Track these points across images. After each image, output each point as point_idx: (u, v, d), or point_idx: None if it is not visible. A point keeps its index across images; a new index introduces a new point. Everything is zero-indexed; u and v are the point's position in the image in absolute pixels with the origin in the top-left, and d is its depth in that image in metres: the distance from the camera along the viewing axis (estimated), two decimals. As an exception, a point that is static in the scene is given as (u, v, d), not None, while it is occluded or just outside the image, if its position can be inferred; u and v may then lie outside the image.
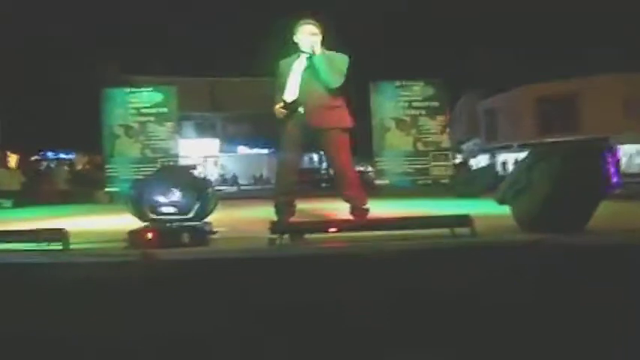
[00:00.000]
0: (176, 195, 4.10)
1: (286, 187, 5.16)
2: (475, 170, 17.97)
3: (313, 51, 4.97)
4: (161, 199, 4.06)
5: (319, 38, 5.05)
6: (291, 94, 5.03)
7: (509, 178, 4.29)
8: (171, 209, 4.05)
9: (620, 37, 30.44)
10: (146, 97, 12.72)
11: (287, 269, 3.15)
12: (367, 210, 5.05)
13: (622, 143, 28.32)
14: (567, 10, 32.03)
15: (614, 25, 31.22)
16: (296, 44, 5.13)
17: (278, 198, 5.15)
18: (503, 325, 2.30)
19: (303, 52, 5.05)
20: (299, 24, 5.10)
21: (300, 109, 5.00)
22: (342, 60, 5.09)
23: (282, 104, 5.08)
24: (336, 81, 5.00)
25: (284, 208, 5.07)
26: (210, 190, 4.48)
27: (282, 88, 5.10)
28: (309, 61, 5.02)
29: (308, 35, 5.03)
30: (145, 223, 3.99)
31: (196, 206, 4.11)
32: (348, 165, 5.13)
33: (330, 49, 5.13)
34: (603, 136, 28.82)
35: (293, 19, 5.18)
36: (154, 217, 4.02)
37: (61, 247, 3.59)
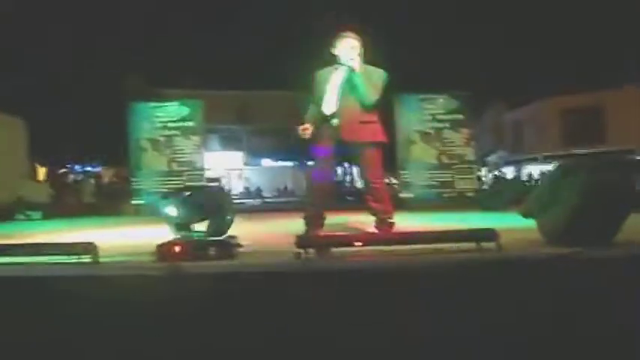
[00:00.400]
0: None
1: (318, 200, 5.19)
2: (502, 183, 17.83)
3: (353, 65, 5.00)
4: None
5: (359, 52, 5.09)
6: (330, 107, 5.08)
7: (536, 192, 4.27)
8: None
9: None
10: (173, 111, 12.82)
11: (313, 283, 3.17)
12: (393, 224, 5.07)
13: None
14: (592, 22, 31.80)
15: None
16: (335, 56, 5.18)
17: (309, 210, 5.19)
18: (529, 340, 2.29)
19: (342, 64, 5.09)
20: (339, 36, 5.15)
21: (335, 121, 5.04)
22: (379, 75, 5.12)
23: (306, 125, 5.13)
24: (373, 97, 5.04)
25: (314, 221, 5.11)
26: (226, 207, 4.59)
27: (317, 100, 5.16)
28: (347, 74, 5.06)
29: (348, 49, 5.08)
30: (173, 237, 4.04)
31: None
32: (379, 179, 5.16)
33: (367, 63, 5.17)
34: (629, 148, 28.57)
35: (332, 32, 5.23)
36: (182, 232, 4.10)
37: (90, 260, 3.65)
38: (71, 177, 27.46)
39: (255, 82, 36.74)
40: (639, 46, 31.01)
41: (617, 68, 30.44)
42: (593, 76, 31.19)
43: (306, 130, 5.14)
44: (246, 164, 42.74)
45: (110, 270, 3.51)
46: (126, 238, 5.79)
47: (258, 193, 37.02)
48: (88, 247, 3.71)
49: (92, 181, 20.69)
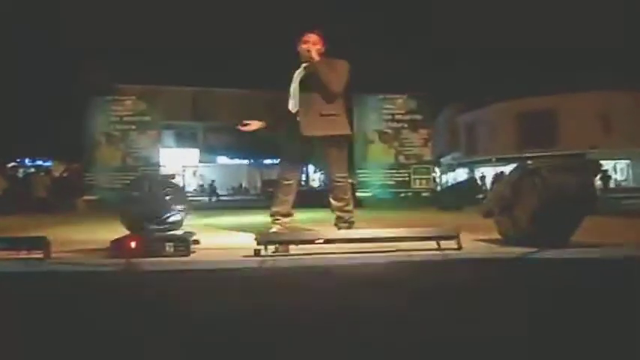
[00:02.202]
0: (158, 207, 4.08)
1: (285, 198, 5.14)
2: (456, 183, 18.06)
3: (311, 58, 4.98)
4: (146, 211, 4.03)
5: (318, 47, 5.06)
6: (293, 104, 5.08)
7: (495, 192, 4.31)
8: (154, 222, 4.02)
9: (598, 56, 30.93)
10: (129, 106, 12.63)
11: (271, 280, 3.12)
12: (352, 222, 5.04)
13: (600, 159, 28.76)
14: (548, 29, 32.49)
15: (594, 44, 31.71)
16: (299, 55, 5.15)
17: (275, 208, 5.14)
18: (486, 340, 2.28)
19: (303, 62, 5.09)
20: (301, 35, 5.13)
21: (299, 118, 5.02)
22: (341, 65, 5.10)
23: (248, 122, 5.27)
24: (337, 85, 5.00)
25: (280, 218, 5.07)
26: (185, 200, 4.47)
27: (288, 99, 5.17)
28: (307, 69, 5.05)
29: (307, 44, 5.05)
30: (128, 232, 3.93)
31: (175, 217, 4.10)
32: (340, 177, 5.10)
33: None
34: (579, 152, 29.33)
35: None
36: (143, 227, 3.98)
37: (42, 256, 3.53)
38: (21, 171, 26.83)
39: (211, 79, 36.46)
40: (593, 53, 31.78)
41: (570, 74, 31.12)
42: (546, 81, 31.83)
43: (247, 125, 5.29)
44: (201, 161, 42.37)
45: (62, 266, 3.40)
46: (79, 234, 5.64)
47: (212, 190, 36.72)
48: (40, 242, 3.60)
49: (43, 175, 20.11)
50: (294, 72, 5.25)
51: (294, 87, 5.12)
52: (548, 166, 3.79)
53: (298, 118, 5.02)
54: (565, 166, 3.84)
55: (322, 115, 4.96)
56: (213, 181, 36.96)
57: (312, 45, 5.06)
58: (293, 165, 5.19)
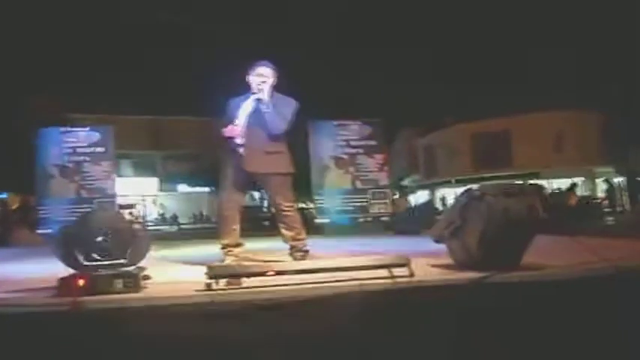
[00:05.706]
0: (106, 241, 3.94)
1: (230, 228, 5.09)
2: (414, 207, 18.19)
3: (261, 94, 4.97)
4: (90, 245, 3.88)
5: (269, 81, 5.06)
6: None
7: (445, 217, 4.35)
8: (102, 256, 3.88)
9: (551, 74, 31.65)
10: (82, 137, 12.47)
11: (223, 315, 3.09)
12: (307, 251, 5.03)
13: (553, 178, 29.40)
14: (500, 49, 33.17)
15: (546, 63, 32.43)
16: (248, 84, 5.13)
17: (224, 240, 5.08)
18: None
19: (253, 93, 5.06)
20: (253, 65, 5.11)
21: (240, 151, 4.97)
22: (289, 104, 5.09)
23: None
24: (280, 127, 4.99)
25: (232, 250, 5.03)
26: (142, 233, 4.33)
27: (225, 126, 5.09)
28: (255, 103, 5.02)
29: (258, 77, 5.04)
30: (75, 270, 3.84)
31: (128, 251, 3.97)
32: (288, 207, 5.09)
33: (281, 92, 5.15)
34: (534, 171, 29.93)
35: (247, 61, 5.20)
36: (85, 264, 3.85)
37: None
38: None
39: (168, 107, 36.28)
40: (545, 72, 32.47)
41: (523, 94, 31.68)
42: (499, 102, 32.34)
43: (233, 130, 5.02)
44: (161, 190, 41.99)
45: (5, 307, 3.31)
46: (28, 271, 5.50)
47: (173, 219, 36.41)
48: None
49: (-3, 208, 19.59)
50: (234, 100, 5.22)
51: (239, 119, 5.06)
52: (493, 191, 3.85)
53: (241, 151, 4.98)
54: (509, 191, 3.90)
55: (266, 153, 4.96)
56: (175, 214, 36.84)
57: (265, 78, 5.06)
58: (235, 195, 5.15)
